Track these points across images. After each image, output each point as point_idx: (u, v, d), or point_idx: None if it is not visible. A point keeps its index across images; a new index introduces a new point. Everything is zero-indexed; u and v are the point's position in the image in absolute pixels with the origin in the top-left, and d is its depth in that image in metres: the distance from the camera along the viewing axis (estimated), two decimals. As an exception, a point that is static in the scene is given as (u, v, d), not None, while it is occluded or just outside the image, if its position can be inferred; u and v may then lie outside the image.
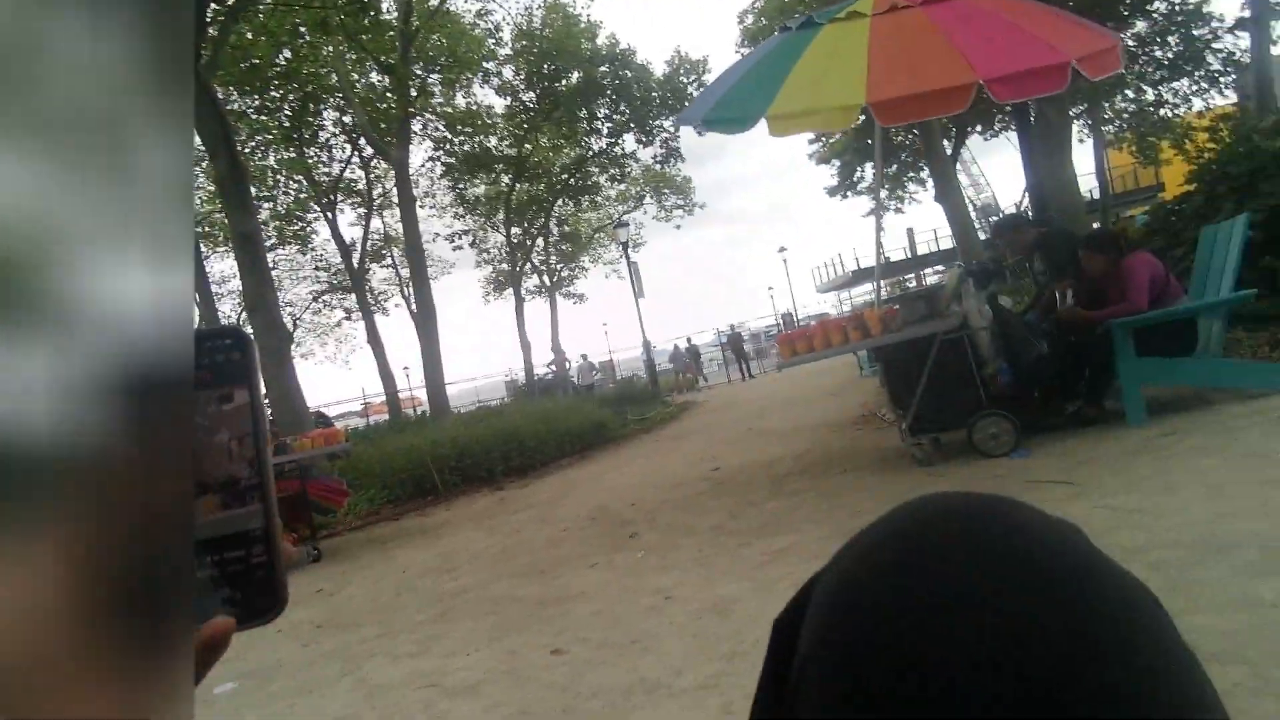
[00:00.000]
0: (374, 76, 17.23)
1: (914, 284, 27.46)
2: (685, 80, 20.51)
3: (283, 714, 2.95)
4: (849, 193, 24.64)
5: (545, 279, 27.80)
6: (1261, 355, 5.00)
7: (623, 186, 26.72)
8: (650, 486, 6.53)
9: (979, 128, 19.45)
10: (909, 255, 33.33)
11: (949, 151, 19.10)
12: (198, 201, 19.56)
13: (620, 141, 22.09)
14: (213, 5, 9.55)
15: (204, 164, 17.92)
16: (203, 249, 18.05)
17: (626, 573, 3.92)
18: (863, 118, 5.05)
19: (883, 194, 25.29)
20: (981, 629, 0.30)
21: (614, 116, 21.10)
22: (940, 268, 28.72)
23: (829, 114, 3.84)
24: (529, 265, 26.07)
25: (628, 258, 18.56)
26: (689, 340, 24.75)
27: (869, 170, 24.20)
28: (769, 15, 17.62)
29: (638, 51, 20.44)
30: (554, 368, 23.98)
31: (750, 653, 2.56)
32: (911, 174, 23.57)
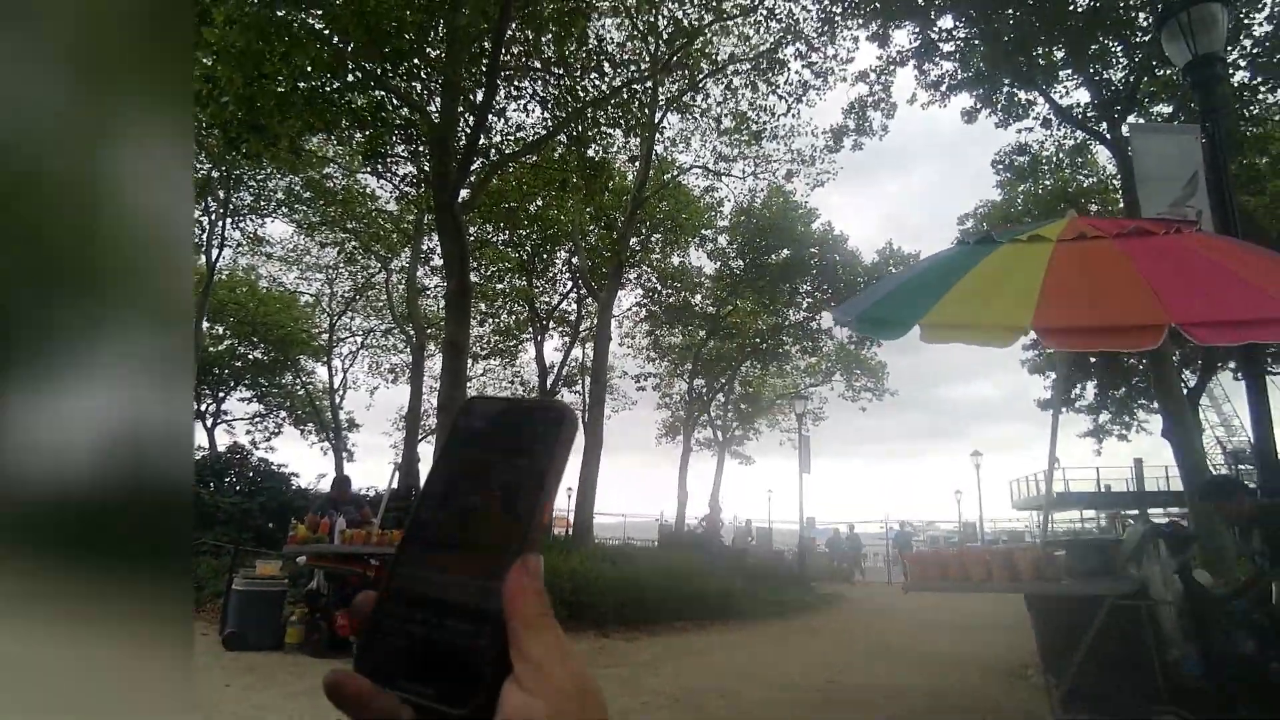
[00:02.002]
0: (603, 229, 19.39)
1: (1138, 520, 23.63)
2: (894, 271, 20.66)
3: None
4: (1066, 409, 22.45)
5: (718, 434, 27.93)
6: None
7: (813, 360, 26.70)
8: (753, 681, 6.00)
9: (1231, 364, 17.07)
10: (1133, 488, 28.95)
11: (1190, 386, 16.96)
12: (434, 308, 22.64)
13: (818, 318, 22.39)
14: (478, 160, 11.52)
15: (437, 279, 20.99)
16: (429, 349, 20.64)
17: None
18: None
19: (1103, 417, 22.70)
20: None
21: (815, 294, 21.57)
22: (1174, 510, 24.54)
23: (988, 330, 3.65)
24: (705, 417, 26.44)
25: (800, 431, 18.18)
26: (852, 527, 23.05)
27: (1090, 389, 22.05)
28: (991, 222, 17.45)
29: (850, 238, 21.07)
30: (706, 522, 23.45)
31: None
32: (1143, 401, 21.03)
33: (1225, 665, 3.77)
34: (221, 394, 25.52)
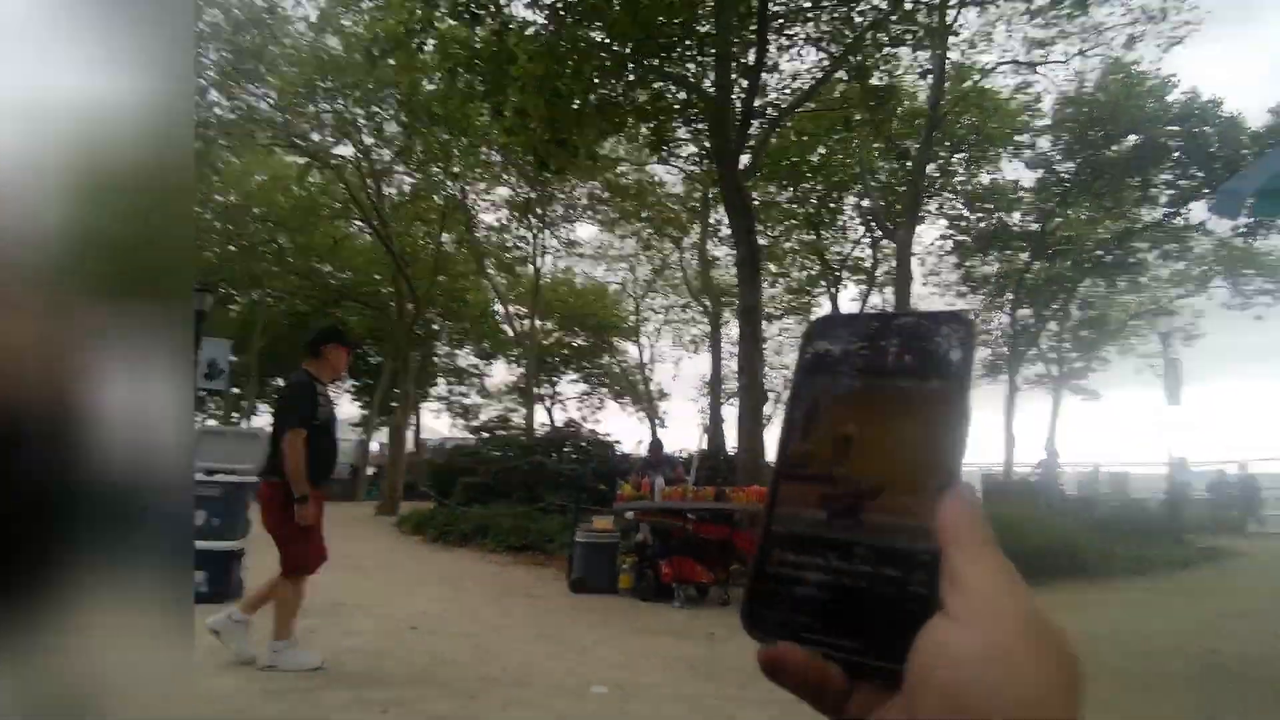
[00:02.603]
0: (894, 163, 17.85)
1: None
2: (1299, 131, 15.63)
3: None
4: None
5: (1052, 368, 24.30)
6: None
7: (1179, 265, 21.67)
8: (1107, 648, 4.98)
9: None
10: None
11: None
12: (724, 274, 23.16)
13: (1184, 211, 18.00)
14: (755, 122, 11.26)
15: (725, 248, 21.20)
16: (724, 316, 21.18)
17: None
18: None
19: None
20: None
21: (1179, 183, 17.31)
22: None
23: None
24: (1033, 351, 23.17)
25: (1165, 355, 14.85)
26: (1243, 466, 18.41)
27: None
28: None
29: (1225, 101, 16.35)
30: (1042, 469, 20.65)
31: None
32: None
33: None
34: (555, 378, 29.46)
